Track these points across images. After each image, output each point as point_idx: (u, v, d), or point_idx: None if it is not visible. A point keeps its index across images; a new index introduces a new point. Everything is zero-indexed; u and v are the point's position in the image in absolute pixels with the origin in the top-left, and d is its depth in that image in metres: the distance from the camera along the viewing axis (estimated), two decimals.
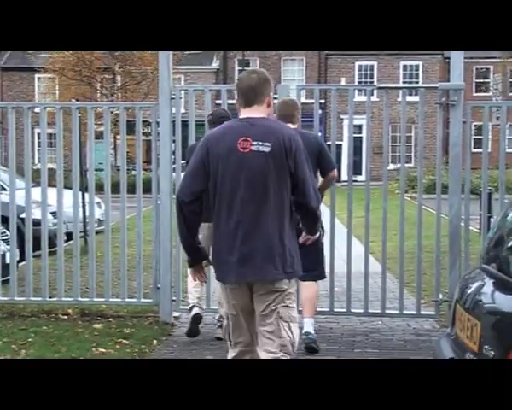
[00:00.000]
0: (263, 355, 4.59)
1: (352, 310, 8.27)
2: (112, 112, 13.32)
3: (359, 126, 32.45)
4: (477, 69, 44.64)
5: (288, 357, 4.59)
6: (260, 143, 4.49)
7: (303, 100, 8.20)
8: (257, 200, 4.51)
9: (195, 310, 7.49)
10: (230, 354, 4.77)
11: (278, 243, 4.55)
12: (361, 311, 8.28)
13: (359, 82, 45.47)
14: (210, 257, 4.84)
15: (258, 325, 4.64)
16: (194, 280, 5.25)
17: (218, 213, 4.60)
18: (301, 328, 6.72)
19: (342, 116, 37.52)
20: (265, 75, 4.80)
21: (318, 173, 6.93)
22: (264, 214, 4.51)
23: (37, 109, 8.91)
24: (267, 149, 4.48)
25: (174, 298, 8.27)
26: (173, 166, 8.31)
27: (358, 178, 30.62)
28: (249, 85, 4.71)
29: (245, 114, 4.70)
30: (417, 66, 45.01)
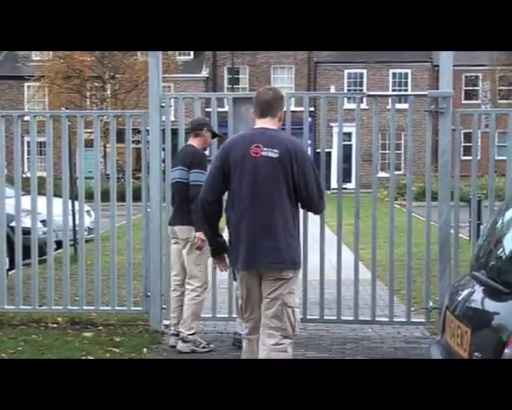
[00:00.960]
0: (264, 335, 5.24)
1: (343, 318, 8.27)
2: (102, 120, 13.31)
3: (349, 134, 32.45)
4: (466, 77, 44.79)
5: (288, 341, 5.24)
6: (270, 149, 5.16)
7: (292, 108, 8.21)
8: (266, 198, 5.18)
9: (171, 341, 7.58)
10: (244, 325, 5.54)
11: (284, 235, 5.21)
12: (351, 318, 8.29)
13: (349, 90, 45.57)
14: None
15: (264, 307, 5.27)
16: (215, 269, 6.49)
17: (232, 209, 5.31)
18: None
19: (332, 124, 37.70)
20: (280, 93, 5.52)
21: None
22: (272, 210, 5.18)
23: (26, 118, 8.90)
24: (275, 155, 5.16)
25: (164, 306, 8.25)
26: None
27: (348, 185, 30.70)
28: (265, 100, 5.38)
29: (259, 124, 5.36)
30: (406, 73, 45.13)
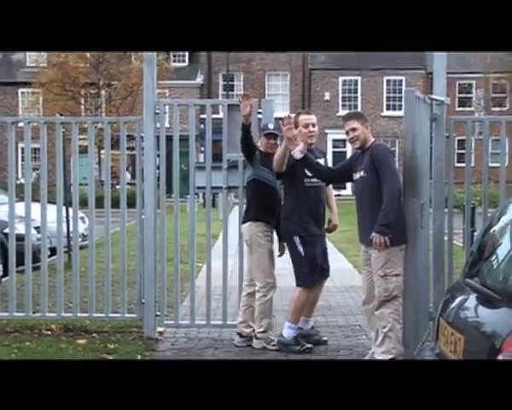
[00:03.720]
0: None
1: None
2: (96, 127, 13.31)
3: (343, 141, 32.54)
4: (460, 84, 44.90)
5: None
6: None
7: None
8: None
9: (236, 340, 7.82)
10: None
11: None
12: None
13: (343, 97, 45.72)
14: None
15: None
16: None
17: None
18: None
19: (326, 130, 37.77)
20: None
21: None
22: None
23: (20, 124, 8.89)
24: None
25: (158, 313, 8.24)
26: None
27: (343, 192, 30.79)
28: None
29: None
30: (400, 81, 45.22)
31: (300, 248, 7.30)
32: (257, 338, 7.63)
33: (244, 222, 7.71)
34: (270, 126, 7.70)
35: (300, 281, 7.39)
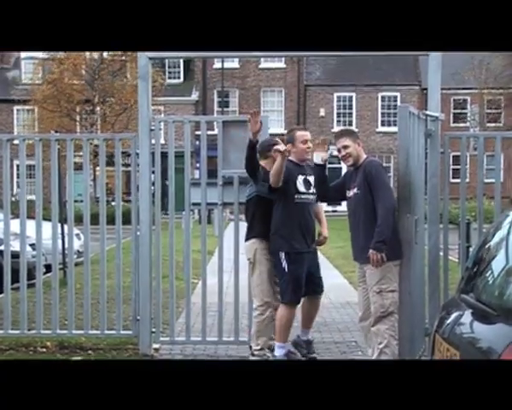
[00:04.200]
0: None
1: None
2: (91, 143, 13.32)
3: (337, 157, 32.55)
4: (454, 100, 45.07)
5: None
6: None
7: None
8: None
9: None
10: None
11: None
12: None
13: (338, 113, 45.83)
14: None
15: None
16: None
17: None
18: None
19: None
20: None
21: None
22: None
23: (16, 141, 8.89)
24: None
25: (154, 330, 8.22)
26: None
27: (338, 208, 30.79)
28: None
29: None
30: (395, 96, 45.36)
31: (284, 264, 7.28)
32: (253, 355, 7.61)
33: (247, 239, 7.66)
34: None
35: (285, 298, 7.36)
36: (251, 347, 7.75)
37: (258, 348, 7.55)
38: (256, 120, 7.14)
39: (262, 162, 7.52)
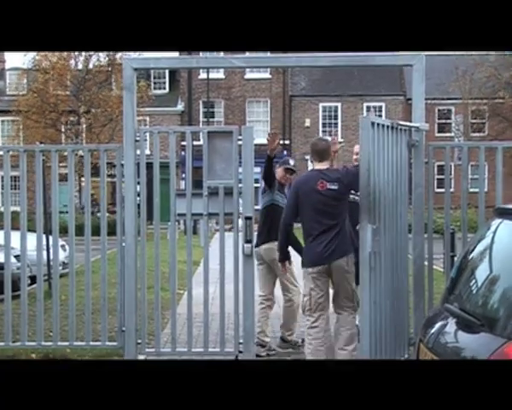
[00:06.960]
0: None
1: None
2: (76, 154, 13.29)
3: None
4: (439, 110, 45.27)
5: None
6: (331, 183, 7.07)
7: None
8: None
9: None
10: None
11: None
12: None
13: (323, 123, 45.93)
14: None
15: None
16: (284, 272, 7.96)
17: (308, 229, 7.23)
18: None
19: (307, 157, 37.72)
20: (329, 142, 7.51)
21: None
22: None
23: (0, 152, 8.85)
24: (336, 187, 7.08)
25: (139, 341, 8.19)
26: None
27: None
28: (323, 148, 7.30)
29: (318, 166, 7.29)
30: (380, 107, 45.53)
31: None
32: (284, 341, 8.72)
33: (264, 243, 8.49)
34: (291, 162, 8.83)
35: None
36: (261, 344, 8.41)
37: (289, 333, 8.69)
38: (274, 138, 7.95)
39: (278, 175, 8.52)
